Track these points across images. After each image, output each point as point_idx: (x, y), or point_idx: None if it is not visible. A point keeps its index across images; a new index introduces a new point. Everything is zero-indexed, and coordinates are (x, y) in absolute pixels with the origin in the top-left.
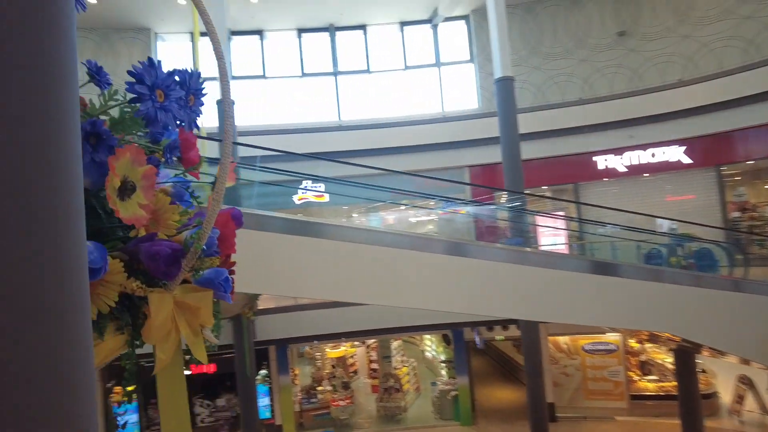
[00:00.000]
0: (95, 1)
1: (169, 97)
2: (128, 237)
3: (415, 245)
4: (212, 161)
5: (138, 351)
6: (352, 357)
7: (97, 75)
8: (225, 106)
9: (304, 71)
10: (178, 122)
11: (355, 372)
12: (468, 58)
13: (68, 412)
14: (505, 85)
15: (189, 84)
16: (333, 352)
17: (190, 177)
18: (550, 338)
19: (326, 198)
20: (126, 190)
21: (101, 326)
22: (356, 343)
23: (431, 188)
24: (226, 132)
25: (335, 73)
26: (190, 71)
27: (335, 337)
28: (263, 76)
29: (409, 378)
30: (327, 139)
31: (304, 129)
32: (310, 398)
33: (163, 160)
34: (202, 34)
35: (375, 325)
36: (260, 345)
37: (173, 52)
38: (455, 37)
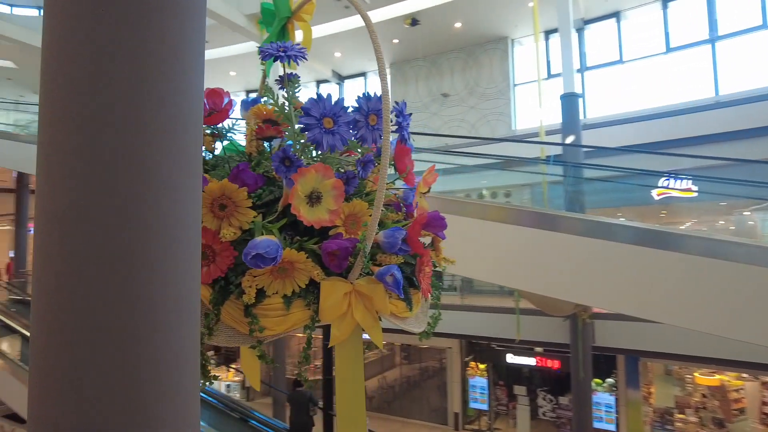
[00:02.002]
0: (459, 25)
1: (337, 122)
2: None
3: None
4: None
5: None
6: (737, 391)
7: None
8: (384, 112)
9: (670, 46)
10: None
11: (741, 410)
12: None
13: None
14: None
15: (367, 107)
16: (704, 378)
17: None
18: None
19: (695, 193)
20: (313, 199)
21: (290, 300)
22: (744, 375)
23: None
24: (384, 139)
25: (712, 40)
26: (368, 95)
27: (700, 361)
28: (620, 61)
29: None
30: (698, 120)
31: (667, 112)
32: (664, 423)
33: (357, 171)
34: (546, 33)
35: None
36: (604, 351)
37: (528, 54)
38: None
